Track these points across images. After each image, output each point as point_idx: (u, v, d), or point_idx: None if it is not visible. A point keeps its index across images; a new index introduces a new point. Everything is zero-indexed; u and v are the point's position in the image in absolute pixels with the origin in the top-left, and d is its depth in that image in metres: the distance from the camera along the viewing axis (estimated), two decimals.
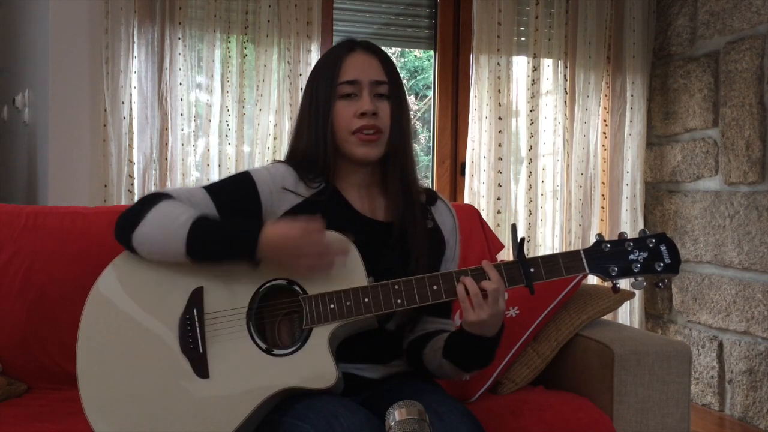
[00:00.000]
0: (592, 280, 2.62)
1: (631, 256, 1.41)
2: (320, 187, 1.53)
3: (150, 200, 1.43)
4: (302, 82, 3.04)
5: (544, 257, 1.41)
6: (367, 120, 1.49)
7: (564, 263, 1.41)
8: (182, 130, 2.97)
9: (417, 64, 5.46)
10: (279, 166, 1.54)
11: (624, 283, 1.45)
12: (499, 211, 3.28)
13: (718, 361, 3.11)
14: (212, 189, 1.50)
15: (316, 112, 1.52)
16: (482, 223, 2.33)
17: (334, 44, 1.60)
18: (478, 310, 1.36)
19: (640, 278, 1.42)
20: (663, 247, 1.41)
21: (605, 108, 3.47)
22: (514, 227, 1.47)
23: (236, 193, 1.49)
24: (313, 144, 1.53)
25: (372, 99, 1.50)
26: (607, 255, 1.41)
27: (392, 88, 1.53)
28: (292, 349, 1.38)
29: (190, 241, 1.35)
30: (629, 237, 1.43)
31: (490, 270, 1.38)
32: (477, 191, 3.27)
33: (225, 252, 1.38)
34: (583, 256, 1.41)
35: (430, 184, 3.43)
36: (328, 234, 1.42)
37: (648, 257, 1.41)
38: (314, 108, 1.53)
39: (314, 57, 3.08)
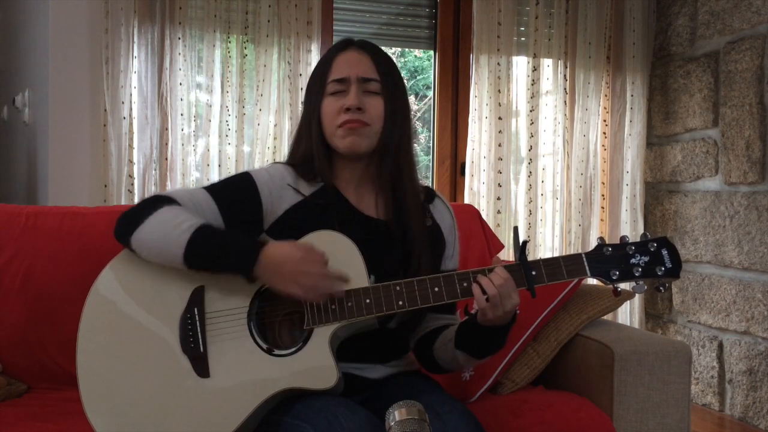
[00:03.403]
0: (593, 280, 2.62)
1: (633, 260, 1.41)
2: (320, 186, 1.54)
3: (152, 203, 1.44)
4: (302, 82, 3.04)
5: (545, 260, 1.42)
6: (350, 115, 1.49)
7: (565, 266, 1.41)
8: (182, 130, 2.96)
9: (417, 64, 5.46)
10: (278, 167, 1.56)
11: (625, 286, 1.45)
12: (499, 211, 3.28)
13: (718, 361, 3.11)
14: (213, 189, 1.51)
15: (310, 112, 1.55)
16: (482, 223, 2.33)
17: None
18: (494, 309, 1.38)
19: (641, 282, 1.42)
20: (664, 251, 1.42)
21: (605, 108, 3.47)
22: (516, 230, 1.48)
23: (237, 193, 1.50)
24: (311, 145, 1.54)
25: (359, 95, 1.50)
26: (609, 258, 1.42)
27: (385, 86, 1.53)
28: (293, 349, 1.38)
29: (189, 248, 1.36)
30: (631, 241, 1.43)
31: (499, 269, 1.39)
32: (477, 191, 3.27)
33: (222, 263, 1.38)
34: (584, 259, 1.42)
35: (430, 184, 3.43)
36: (330, 234, 1.43)
37: (649, 261, 1.41)
38: (308, 108, 1.56)
39: (314, 57, 3.07)
